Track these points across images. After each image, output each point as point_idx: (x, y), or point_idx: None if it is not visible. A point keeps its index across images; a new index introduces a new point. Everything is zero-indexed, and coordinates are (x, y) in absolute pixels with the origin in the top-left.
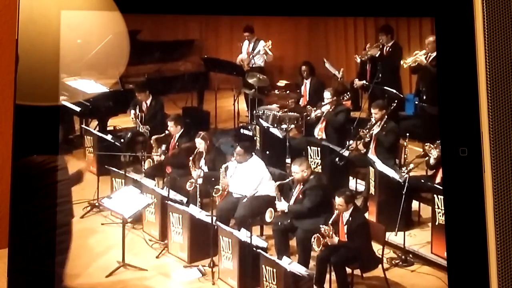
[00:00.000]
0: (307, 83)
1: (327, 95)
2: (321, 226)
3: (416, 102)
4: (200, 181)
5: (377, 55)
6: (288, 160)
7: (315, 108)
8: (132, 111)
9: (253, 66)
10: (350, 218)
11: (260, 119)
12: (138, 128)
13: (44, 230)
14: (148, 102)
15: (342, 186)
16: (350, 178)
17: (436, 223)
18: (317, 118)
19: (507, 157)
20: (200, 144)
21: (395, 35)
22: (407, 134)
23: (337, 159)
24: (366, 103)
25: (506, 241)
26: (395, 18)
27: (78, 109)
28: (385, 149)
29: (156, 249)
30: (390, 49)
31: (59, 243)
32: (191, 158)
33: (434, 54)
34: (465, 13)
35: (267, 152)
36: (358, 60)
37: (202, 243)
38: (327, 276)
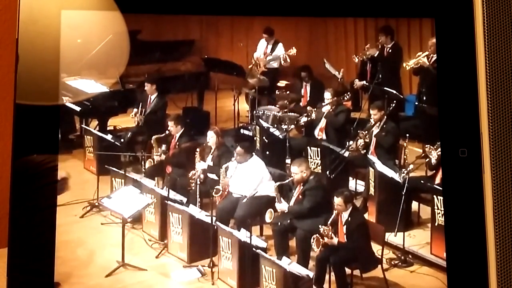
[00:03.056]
0: (307, 85)
1: (327, 95)
2: (320, 226)
3: (416, 103)
4: (202, 175)
5: (376, 55)
6: (288, 161)
7: (315, 109)
8: (135, 109)
9: (269, 68)
10: (349, 218)
11: (260, 119)
12: (135, 120)
13: (44, 230)
14: (153, 97)
15: (342, 186)
16: (350, 178)
17: (436, 224)
18: (310, 121)
19: (506, 158)
20: (211, 137)
21: (395, 36)
22: (407, 134)
23: (327, 172)
24: (366, 104)
25: (506, 242)
26: (395, 18)
27: (78, 108)
28: (384, 150)
29: (156, 249)
30: (390, 50)
31: None
32: (198, 149)
33: None
34: (465, 14)
35: (267, 153)
36: (356, 60)
37: (202, 243)
38: (327, 276)
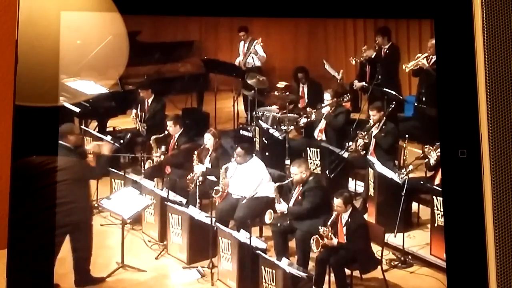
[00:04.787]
0: (304, 86)
1: (327, 96)
2: (319, 227)
3: (416, 104)
4: (201, 177)
5: (372, 56)
6: (287, 162)
7: (315, 110)
8: (134, 110)
9: (250, 66)
10: (349, 219)
11: (259, 120)
12: (136, 126)
13: (43, 231)
14: (150, 100)
15: (341, 187)
16: (350, 179)
17: (435, 225)
18: (310, 122)
19: (506, 158)
20: (209, 139)
21: (392, 37)
22: (407, 135)
23: (327, 171)
24: (365, 105)
25: (505, 242)
26: (394, 20)
27: (77, 110)
28: (384, 151)
29: (155, 250)
30: (388, 51)
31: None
32: (196, 152)
33: None
34: (464, 15)
35: (267, 154)
36: (354, 62)
37: (202, 244)
38: (326, 277)
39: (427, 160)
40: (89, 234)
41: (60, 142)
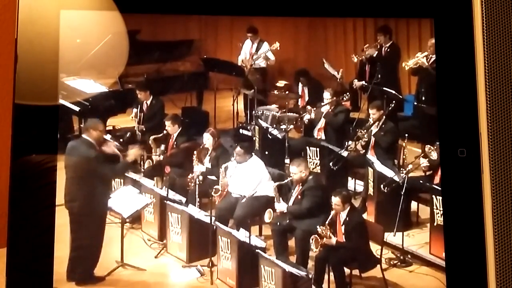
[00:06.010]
0: (305, 88)
1: (326, 95)
2: (318, 226)
3: (415, 103)
4: (201, 177)
5: (374, 55)
6: (287, 161)
7: (314, 109)
8: (134, 110)
9: (256, 67)
10: (348, 218)
11: (259, 120)
12: (135, 128)
13: (43, 230)
14: (149, 102)
15: (341, 186)
16: (349, 178)
17: (435, 224)
18: (309, 121)
19: (505, 158)
20: (208, 139)
21: (393, 36)
22: (406, 134)
23: (331, 163)
24: (365, 104)
25: (504, 241)
26: (394, 19)
27: (77, 108)
28: (383, 150)
29: (155, 249)
30: (388, 50)
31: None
32: (195, 152)
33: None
34: (464, 14)
35: (266, 153)
36: (355, 60)
37: (201, 243)
38: (326, 276)
39: (427, 159)
40: (102, 233)
41: (82, 136)
